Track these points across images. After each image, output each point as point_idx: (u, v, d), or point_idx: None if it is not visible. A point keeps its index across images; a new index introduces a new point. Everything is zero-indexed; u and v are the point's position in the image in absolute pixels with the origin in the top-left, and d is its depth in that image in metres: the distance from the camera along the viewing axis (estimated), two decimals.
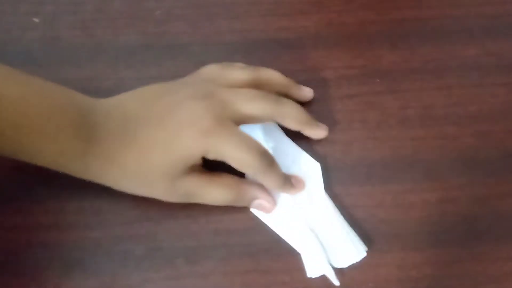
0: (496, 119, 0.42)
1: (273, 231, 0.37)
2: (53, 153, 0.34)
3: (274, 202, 0.38)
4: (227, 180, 0.37)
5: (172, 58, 0.43)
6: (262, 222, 0.38)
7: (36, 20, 0.44)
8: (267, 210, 0.38)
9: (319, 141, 0.40)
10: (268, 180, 0.36)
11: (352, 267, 0.36)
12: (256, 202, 0.37)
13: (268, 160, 0.35)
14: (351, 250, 0.36)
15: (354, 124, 0.41)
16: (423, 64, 0.44)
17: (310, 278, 0.36)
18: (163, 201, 0.36)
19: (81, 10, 0.45)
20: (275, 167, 0.36)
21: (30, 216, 0.38)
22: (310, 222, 0.37)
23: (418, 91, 0.43)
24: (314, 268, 0.36)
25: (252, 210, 0.38)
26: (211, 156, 0.34)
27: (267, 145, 0.38)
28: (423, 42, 0.45)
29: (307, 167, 0.39)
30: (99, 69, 0.43)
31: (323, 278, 0.36)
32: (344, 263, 0.36)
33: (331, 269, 0.36)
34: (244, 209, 0.38)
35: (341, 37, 0.45)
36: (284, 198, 0.38)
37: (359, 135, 0.41)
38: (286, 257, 0.37)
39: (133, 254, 0.37)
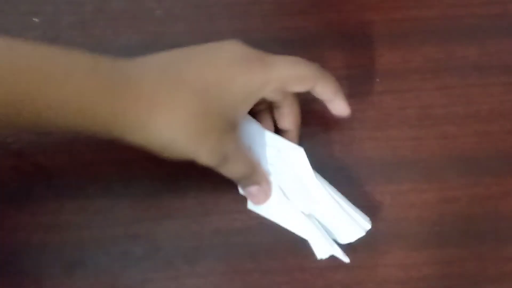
0: (496, 119, 0.42)
1: (274, 231, 0.37)
2: (81, 99, 0.28)
3: (269, 196, 0.37)
4: (250, 155, 0.36)
5: None
6: (262, 222, 0.38)
7: (36, 20, 0.44)
8: (259, 200, 0.37)
9: (319, 141, 0.40)
10: (329, 82, 0.35)
11: (352, 267, 0.36)
12: (255, 188, 0.36)
13: (320, 67, 0.35)
14: (353, 225, 0.36)
15: (354, 124, 0.41)
16: (423, 64, 0.44)
17: (313, 276, 0.36)
18: (158, 204, 0.36)
19: (81, 10, 0.45)
20: (327, 72, 0.36)
21: (30, 216, 0.38)
22: (308, 206, 0.37)
23: (418, 91, 0.43)
24: (321, 250, 0.36)
25: (250, 206, 0.38)
26: (271, 87, 0.33)
27: (248, 144, 0.38)
28: (423, 42, 0.45)
29: (292, 154, 0.38)
30: None
31: (324, 277, 0.36)
32: (350, 239, 0.36)
33: (337, 248, 0.35)
34: (244, 209, 0.38)
35: (341, 37, 0.45)
36: (277, 188, 0.37)
37: (359, 135, 0.41)
38: (286, 257, 0.37)
39: (133, 254, 0.37)
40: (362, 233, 0.35)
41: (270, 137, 0.38)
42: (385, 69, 0.43)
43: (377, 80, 0.43)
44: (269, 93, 0.33)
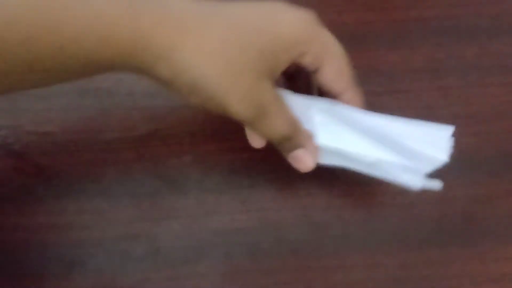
0: (496, 119, 0.42)
1: (274, 231, 0.37)
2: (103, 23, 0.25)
3: (316, 159, 0.33)
4: (291, 112, 0.32)
5: None
6: (263, 222, 0.38)
7: None
8: (306, 165, 0.33)
9: None
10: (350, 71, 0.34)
11: (353, 267, 0.36)
12: (300, 151, 0.33)
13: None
14: (432, 147, 0.33)
15: None
16: (423, 64, 0.44)
17: (313, 276, 0.36)
18: (158, 204, 0.36)
19: None
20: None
21: (30, 216, 0.38)
22: (377, 143, 0.33)
23: (418, 91, 0.43)
24: (412, 178, 0.33)
25: (321, 142, 0.33)
26: (313, 50, 0.31)
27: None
28: (423, 42, 0.45)
29: (343, 108, 0.35)
30: None
31: (325, 277, 0.36)
32: (431, 165, 0.33)
33: (424, 177, 0.33)
34: (244, 209, 0.38)
35: (341, 37, 0.45)
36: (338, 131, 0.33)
37: None
38: (287, 257, 0.37)
39: (133, 254, 0.37)
40: (444, 158, 0.32)
41: (313, 101, 0.34)
42: (385, 69, 0.43)
43: (377, 80, 0.43)
44: (309, 56, 0.31)
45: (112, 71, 0.28)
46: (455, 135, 0.41)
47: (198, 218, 0.38)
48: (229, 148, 0.40)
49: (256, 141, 0.35)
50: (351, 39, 0.45)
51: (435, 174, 0.39)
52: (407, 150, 0.33)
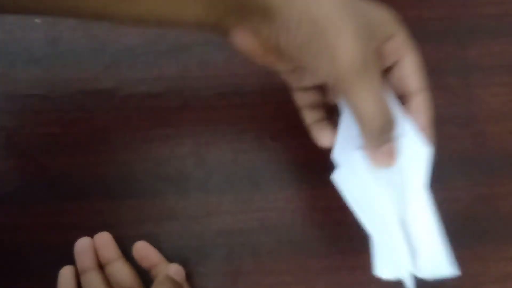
0: (496, 119, 0.42)
1: (276, 232, 0.37)
2: None
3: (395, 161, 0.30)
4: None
5: (174, 59, 0.43)
6: (265, 223, 0.38)
7: (37, 21, 0.44)
8: (383, 163, 0.30)
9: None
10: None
11: (354, 268, 0.36)
12: (390, 146, 0.29)
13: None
14: (443, 260, 0.29)
15: None
16: (423, 64, 0.44)
17: (315, 277, 0.36)
18: (160, 204, 0.36)
19: None
20: None
21: (30, 216, 0.38)
22: (402, 214, 0.30)
23: None
24: (387, 267, 0.30)
25: (335, 179, 0.31)
26: (399, 37, 0.29)
27: None
28: (423, 42, 0.45)
29: (413, 147, 0.30)
30: (100, 70, 0.43)
31: (326, 277, 0.36)
32: (429, 273, 0.29)
33: (410, 277, 0.30)
34: (246, 210, 0.38)
35: None
36: (380, 174, 0.30)
37: None
38: (289, 257, 0.37)
39: None
40: (446, 273, 0.29)
41: (401, 116, 0.31)
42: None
43: None
44: (395, 42, 0.29)
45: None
46: (455, 135, 0.41)
47: (200, 219, 0.38)
48: (231, 149, 0.40)
49: (325, 138, 0.33)
50: None
51: (436, 175, 0.39)
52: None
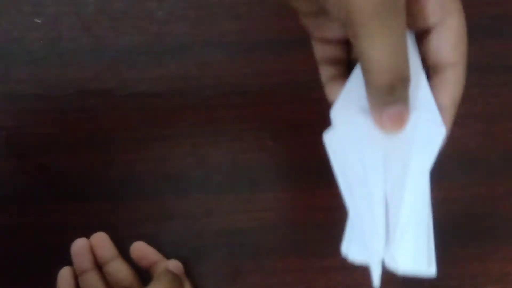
0: (497, 119, 0.42)
1: (276, 232, 0.37)
2: None
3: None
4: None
5: (174, 59, 0.43)
6: (265, 223, 0.38)
7: (38, 21, 0.44)
8: (393, 127, 0.25)
9: (319, 141, 0.40)
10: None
11: (354, 268, 0.36)
12: (400, 108, 0.24)
13: None
14: (423, 257, 0.26)
15: None
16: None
17: (316, 276, 0.36)
18: (160, 205, 0.36)
19: (83, 11, 0.45)
20: None
21: (30, 216, 0.38)
22: (391, 195, 0.26)
23: None
24: (356, 248, 0.27)
25: (326, 139, 0.28)
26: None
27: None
28: None
29: (425, 125, 0.26)
30: (100, 70, 0.43)
31: (326, 278, 0.36)
32: (404, 267, 0.26)
33: (379, 264, 0.27)
34: (246, 210, 0.38)
35: None
36: (379, 145, 0.26)
37: None
38: (289, 257, 0.37)
39: None
40: (422, 270, 0.26)
41: (423, 84, 0.27)
42: None
43: None
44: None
45: None
46: (455, 135, 0.41)
47: (200, 219, 0.38)
48: (231, 149, 0.40)
49: (336, 94, 0.28)
50: None
51: (436, 175, 0.39)
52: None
